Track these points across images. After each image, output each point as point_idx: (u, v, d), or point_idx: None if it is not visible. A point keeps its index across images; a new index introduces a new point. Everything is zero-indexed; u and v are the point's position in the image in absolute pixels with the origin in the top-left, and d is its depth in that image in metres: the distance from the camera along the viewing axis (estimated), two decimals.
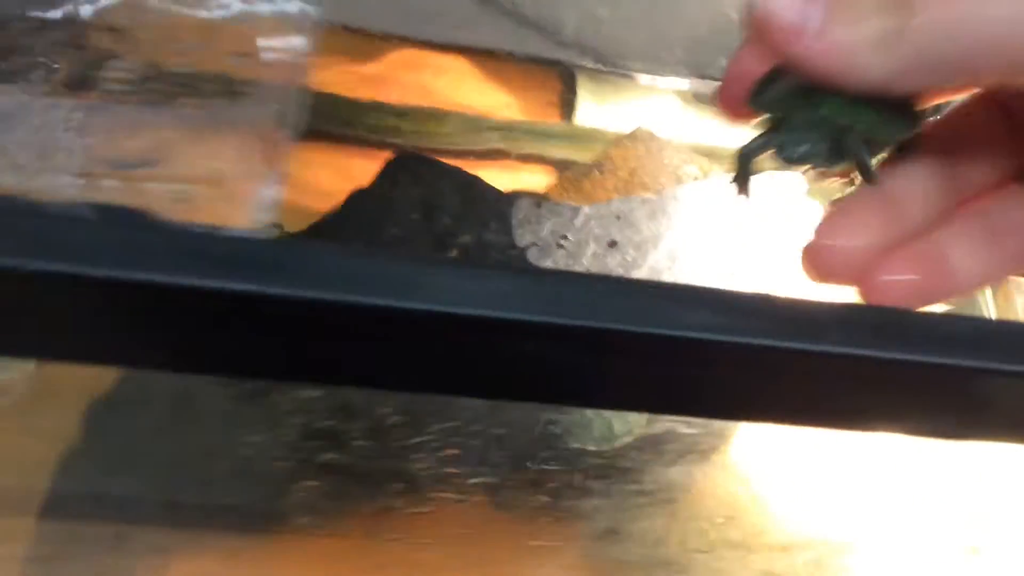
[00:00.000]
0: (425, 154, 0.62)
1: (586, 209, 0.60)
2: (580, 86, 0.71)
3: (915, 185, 0.26)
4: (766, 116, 0.25)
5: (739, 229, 0.58)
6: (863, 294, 0.25)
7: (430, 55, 0.71)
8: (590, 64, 0.69)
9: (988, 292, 0.69)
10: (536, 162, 0.69)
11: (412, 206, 0.59)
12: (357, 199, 0.59)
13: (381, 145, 0.66)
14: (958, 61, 0.20)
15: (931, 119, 0.27)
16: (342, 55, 0.70)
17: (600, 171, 0.65)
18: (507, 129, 0.69)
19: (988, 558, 0.58)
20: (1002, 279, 0.28)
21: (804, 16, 0.21)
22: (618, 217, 0.60)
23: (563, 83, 0.72)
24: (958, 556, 0.58)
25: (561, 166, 0.69)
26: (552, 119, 0.72)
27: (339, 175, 0.65)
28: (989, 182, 0.27)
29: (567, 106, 0.72)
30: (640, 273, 0.58)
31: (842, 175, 0.28)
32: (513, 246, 0.59)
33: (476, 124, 0.69)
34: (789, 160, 0.24)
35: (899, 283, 0.25)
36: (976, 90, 0.21)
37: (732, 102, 0.25)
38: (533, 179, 0.68)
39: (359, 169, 0.63)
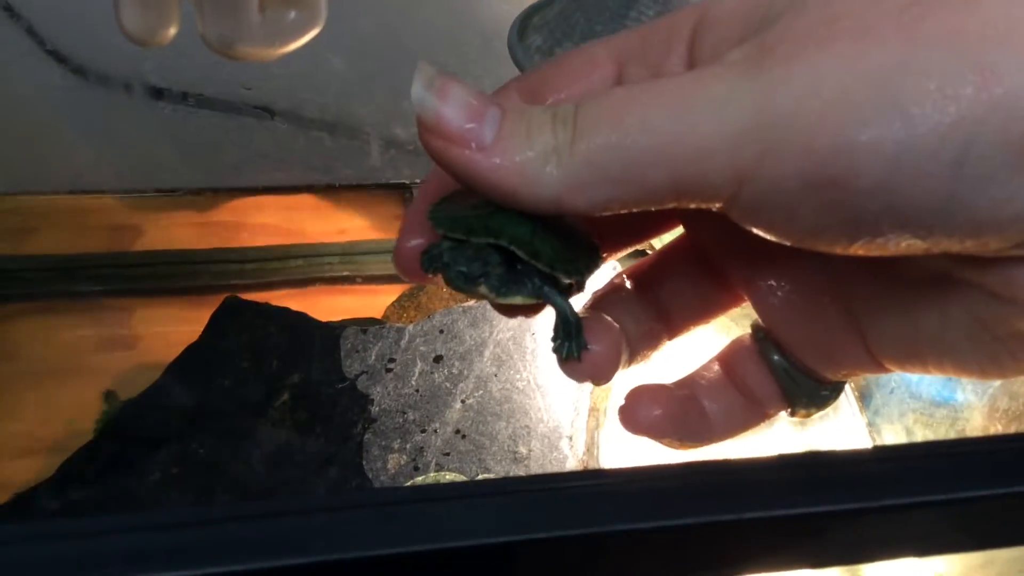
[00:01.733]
0: (253, 297, 0.63)
1: (410, 328, 0.61)
2: None
3: (629, 316, 0.27)
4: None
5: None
6: (622, 422, 0.27)
7: (270, 198, 0.73)
8: (421, 179, 0.70)
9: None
10: (385, 281, 0.70)
11: (241, 354, 0.61)
12: (186, 355, 0.61)
13: (226, 289, 0.68)
14: (626, 171, 0.20)
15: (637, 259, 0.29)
16: (187, 210, 0.72)
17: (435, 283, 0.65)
18: (347, 253, 0.70)
19: None
20: (748, 428, 0.29)
21: (476, 128, 0.21)
22: (441, 331, 0.61)
23: (404, 200, 0.73)
24: None
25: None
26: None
27: (187, 326, 0.67)
28: (694, 315, 0.28)
29: None
30: (468, 384, 0.59)
31: (531, 312, 0.28)
32: (343, 378, 0.60)
33: (317, 251, 0.70)
34: (451, 284, 0.23)
35: (651, 417, 0.26)
36: (654, 209, 0.21)
37: (406, 259, 0.25)
38: (383, 299, 0.69)
39: (206, 317, 0.65)
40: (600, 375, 0.25)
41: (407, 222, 0.25)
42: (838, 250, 0.20)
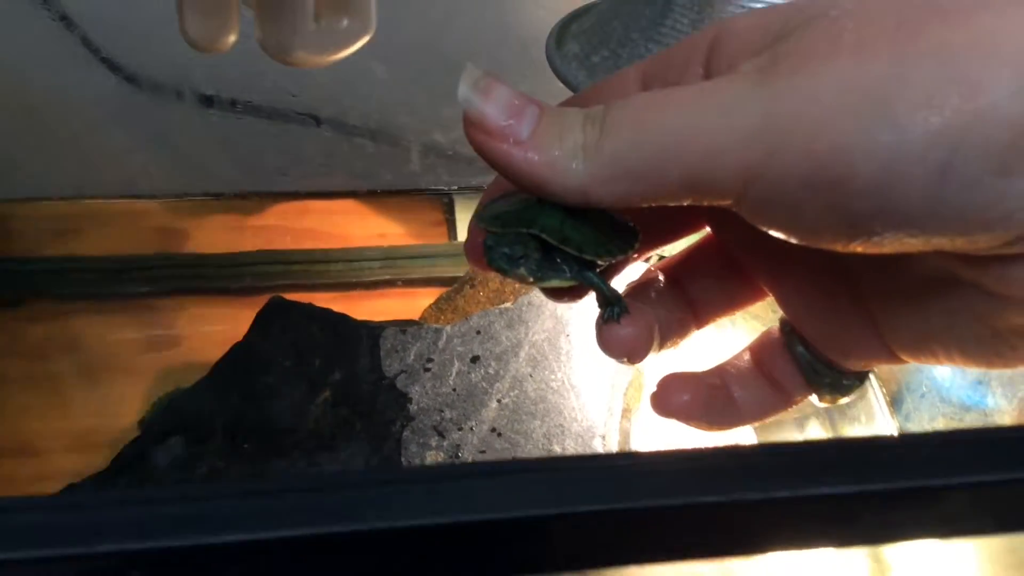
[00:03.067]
0: (296, 297, 0.65)
1: (448, 329, 0.62)
2: (458, 206, 0.74)
3: (661, 306, 0.29)
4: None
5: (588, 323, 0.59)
6: (653, 406, 0.29)
7: (314, 202, 0.75)
8: (460, 186, 0.71)
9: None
10: (424, 285, 0.72)
11: (284, 353, 0.62)
12: (231, 355, 0.63)
13: (270, 291, 0.70)
14: (645, 167, 0.22)
15: (666, 255, 0.31)
16: (234, 214, 0.74)
17: (472, 285, 0.67)
18: (388, 257, 0.72)
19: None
20: (776, 413, 0.31)
21: (515, 125, 0.22)
22: (478, 332, 0.62)
23: (443, 206, 0.75)
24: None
25: (450, 284, 0.71)
26: (440, 240, 0.75)
27: (232, 326, 0.69)
28: (720, 308, 0.30)
29: (451, 227, 0.75)
30: (504, 384, 0.60)
31: (575, 296, 0.30)
32: (383, 376, 0.61)
33: (359, 255, 0.72)
34: (493, 265, 0.25)
35: (680, 402, 0.29)
36: (679, 204, 0.23)
37: (475, 249, 0.26)
38: (423, 302, 0.71)
39: (250, 318, 0.67)
40: (635, 354, 0.27)
41: (472, 224, 0.28)
42: (839, 247, 0.21)
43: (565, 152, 0.22)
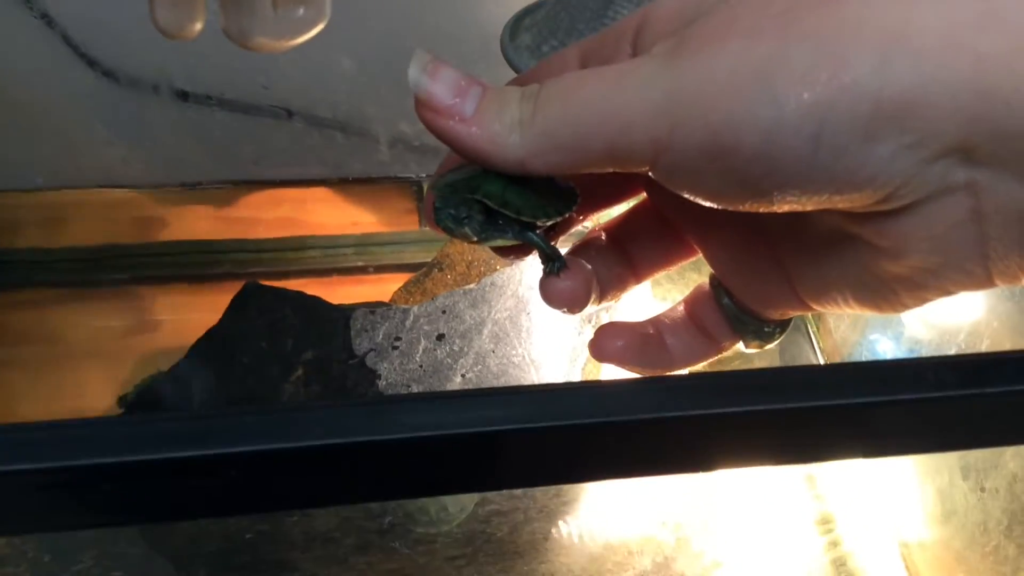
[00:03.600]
0: (271, 284, 0.68)
1: (415, 309, 0.65)
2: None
3: (601, 262, 0.32)
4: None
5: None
6: (591, 351, 0.32)
7: (288, 191, 0.77)
8: (428, 174, 0.74)
9: (812, 326, 0.71)
10: (395, 271, 0.75)
11: (259, 334, 0.65)
12: (209, 336, 0.65)
13: (245, 278, 0.72)
14: (572, 140, 0.24)
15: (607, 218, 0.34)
16: (209, 203, 0.77)
17: (440, 269, 0.70)
18: (360, 244, 0.75)
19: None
20: (706, 359, 0.34)
21: (460, 103, 0.25)
22: (443, 312, 0.65)
23: (413, 194, 0.78)
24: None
25: (420, 269, 0.74)
26: (411, 228, 0.78)
27: (208, 312, 0.71)
28: (656, 264, 0.33)
29: (421, 214, 0.78)
30: (467, 360, 0.63)
31: (520, 253, 0.33)
32: (353, 355, 0.64)
33: (331, 242, 0.75)
34: (440, 225, 0.28)
35: (614, 347, 0.32)
36: (605, 171, 0.25)
37: (429, 215, 0.29)
38: (393, 287, 0.74)
39: (226, 303, 0.70)
40: (574, 304, 0.30)
41: (428, 193, 0.31)
42: (740, 207, 0.25)
43: (504, 127, 0.25)
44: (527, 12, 0.55)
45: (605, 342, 0.32)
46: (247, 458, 0.22)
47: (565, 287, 0.30)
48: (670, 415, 0.24)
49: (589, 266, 0.31)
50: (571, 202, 0.30)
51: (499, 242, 0.29)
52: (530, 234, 0.29)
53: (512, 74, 0.51)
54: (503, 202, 0.27)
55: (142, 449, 0.22)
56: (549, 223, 0.29)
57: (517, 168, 0.26)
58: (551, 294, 0.30)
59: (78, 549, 0.56)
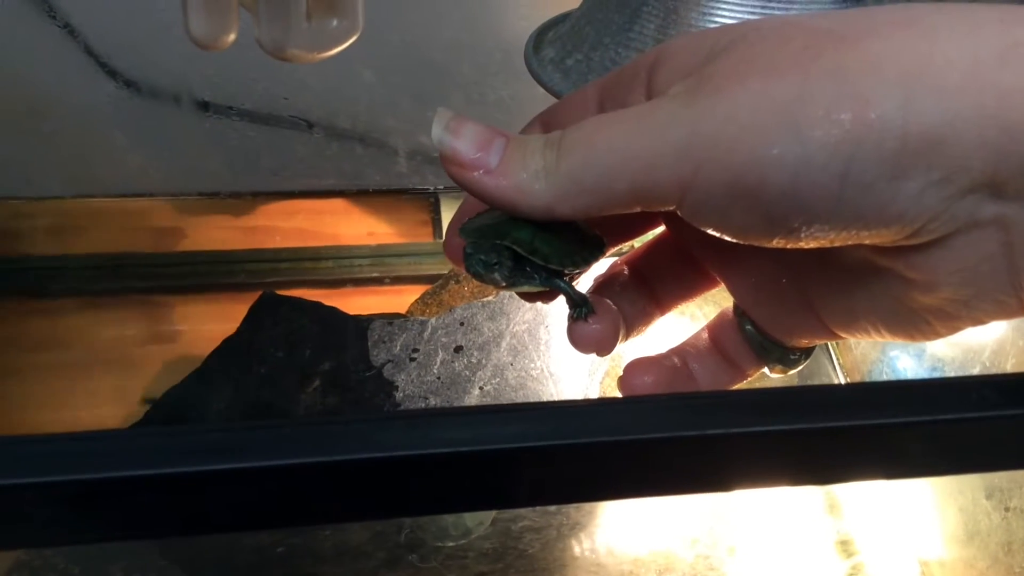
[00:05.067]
0: (287, 294, 0.68)
1: (432, 321, 0.65)
2: (443, 206, 0.77)
3: (625, 298, 0.32)
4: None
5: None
6: (620, 390, 0.32)
7: (304, 202, 0.78)
8: (445, 186, 0.74)
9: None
10: (410, 282, 0.75)
11: (276, 344, 0.65)
12: (226, 346, 0.65)
13: (262, 287, 0.72)
14: (597, 183, 0.25)
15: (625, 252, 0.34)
16: (227, 213, 0.77)
17: (456, 281, 0.70)
18: (376, 255, 0.75)
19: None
20: (732, 385, 0.34)
21: (484, 156, 0.26)
22: (461, 323, 0.65)
23: (429, 206, 0.78)
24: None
25: (436, 281, 0.74)
26: (427, 239, 0.78)
27: (225, 321, 0.72)
28: (679, 296, 0.33)
29: (437, 226, 0.78)
30: (485, 372, 0.63)
31: (546, 298, 0.33)
32: (370, 366, 0.64)
33: (348, 253, 0.75)
34: (470, 270, 0.28)
35: (643, 384, 0.32)
36: (632, 211, 0.26)
37: (453, 251, 0.30)
38: (409, 299, 0.74)
39: (243, 313, 0.70)
40: (602, 347, 0.30)
41: (450, 227, 0.31)
42: (766, 243, 0.25)
43: (530, 175, 0.25)
44: (551, 25, 0.55)
45: (634, 380, 0.32)
46: (285, 471, 0.22)
47: (594, 331, 0.30)
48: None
49: (614, 307, 0.31)
50: (598, 250, 0.30)
51: (526, 288, 0.30)
52: (558, 281, 0.29)
53: (535, 87, 0.51)
54: (532, 249, 0.28)
55: (179, 461, 0.22)
56: (572, 271, 0.30)
57: (545, 214, 0.26)
58: (580, 339, 0.30)
59: (108, 561, 0.55)
